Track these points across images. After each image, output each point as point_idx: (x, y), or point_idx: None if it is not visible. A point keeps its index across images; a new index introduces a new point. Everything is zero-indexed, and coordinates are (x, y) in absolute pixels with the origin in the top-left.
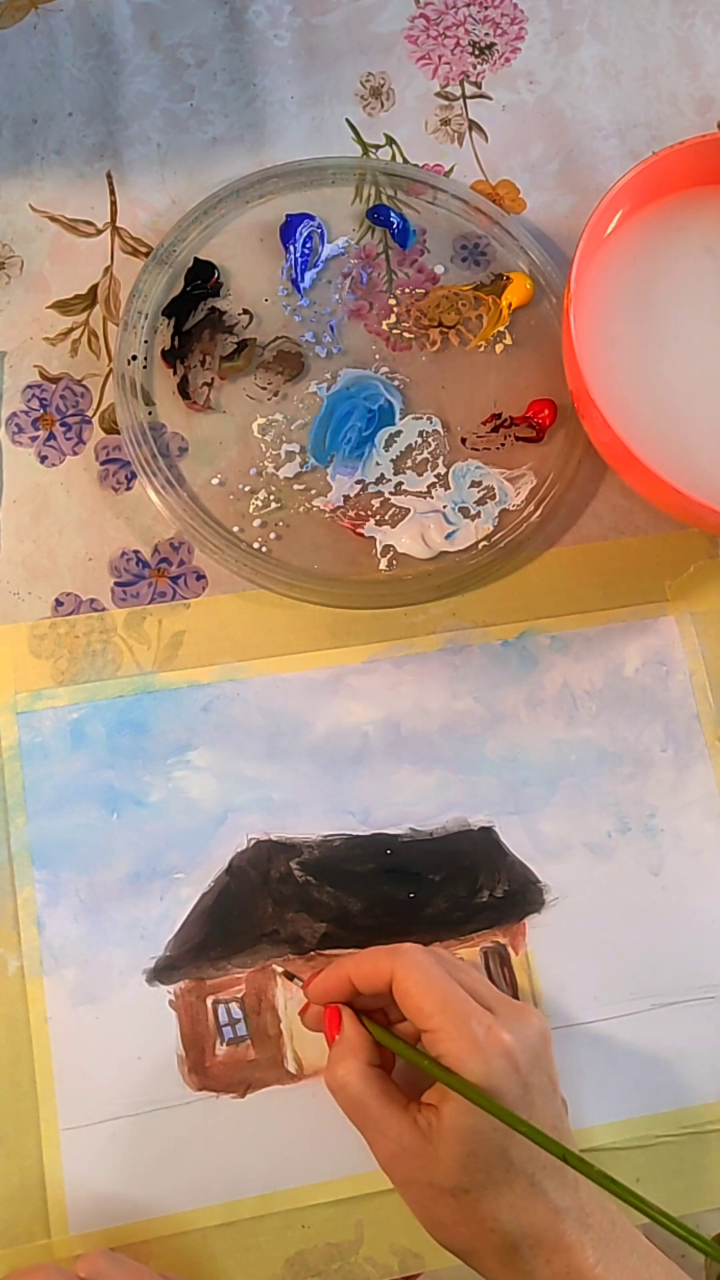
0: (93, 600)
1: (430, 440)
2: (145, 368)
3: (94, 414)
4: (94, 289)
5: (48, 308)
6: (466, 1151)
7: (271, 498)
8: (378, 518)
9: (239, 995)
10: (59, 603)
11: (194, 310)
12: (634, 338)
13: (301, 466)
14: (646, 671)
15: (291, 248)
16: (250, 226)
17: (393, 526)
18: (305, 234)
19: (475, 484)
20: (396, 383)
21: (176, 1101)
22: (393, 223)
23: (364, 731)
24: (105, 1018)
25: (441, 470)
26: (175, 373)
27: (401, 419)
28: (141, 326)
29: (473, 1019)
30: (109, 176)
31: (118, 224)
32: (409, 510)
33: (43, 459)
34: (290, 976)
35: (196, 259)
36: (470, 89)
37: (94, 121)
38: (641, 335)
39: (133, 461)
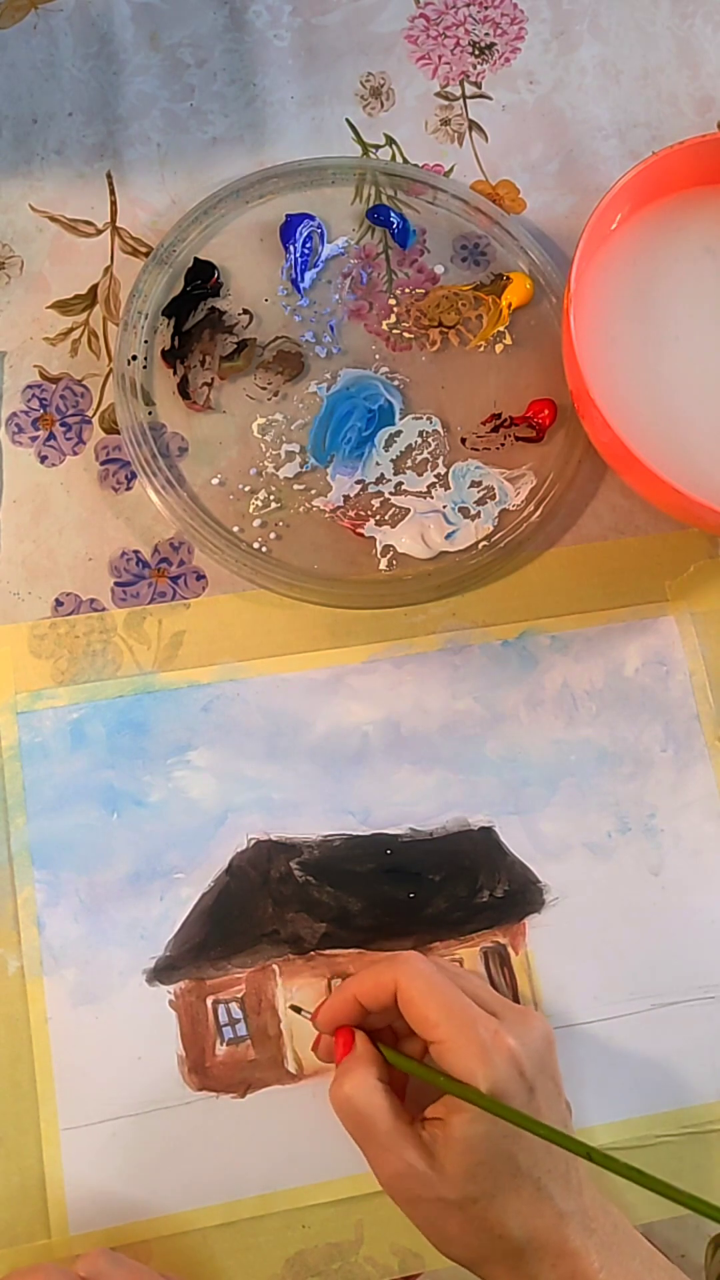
0: (93, 600)
1: (430, 440)
2: (145, 368)
3: (94, 414)
4: (94, 289)
5: (48, 308)
6: (476, 1160)
7: (271, 498)
8: (378, 518)
9: (239, 995)
10: (59, 603)
11: (194, 310)
12: (634, 338)
13: (301, 466)
14: (646, 671)
15: (291, 248)
16: (250, 226)
17: (393, 526)
18: (305, 234)
19: (475, 484)
20: (396, 383)
21: (176, 1101)
22: (393, 223)
23: (364, 731)
24: (105, 1018)
25: (441, 470)
26: (175, 373)
27: (401, 419)
28: (141, 326)
29: (478, 1024)
30: (109, 176)
31: (118, 224)
32: (409, 510)
33: (43, 459)
34: (298, 1010)
35: (196, 259)
36: (470, 89)
37: (94, 121)
38: (641, 335)
39: (133, 461)
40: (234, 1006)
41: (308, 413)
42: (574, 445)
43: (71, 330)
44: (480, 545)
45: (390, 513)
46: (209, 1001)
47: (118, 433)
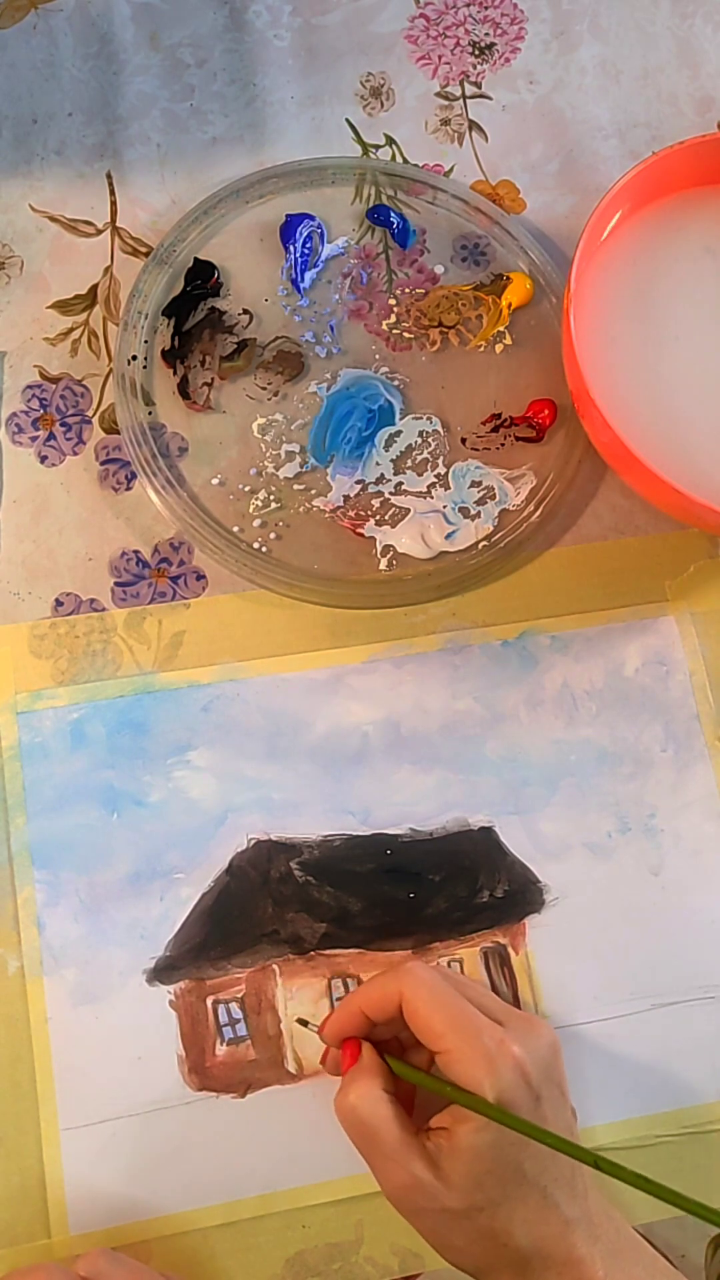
0: (93, 600)
1: (430, 440)
2: (145, 368)
3: (94, 414)
4: (94, 289)
5: (48, 308)
6: (483, 1169)
7: (271, 498)
8: (378, 518)
9: (239, 995)
10: (59, 603)
11: (194, 310)
12: (634, 338)
13: (301, 466)
14: (646, 671)
15: (291, 248)
16: (250, 226)
17: (393, 526)
18: (305, 234)
19: (475, 484)
20: (396, 383)
21: (176, 1101)
22: (393, 223)
23: (364, 731)
24: (105, 1018)
25: (441, 470)
26: (175, 373)
27: (401, 419)
28: (141, 326)
29: (483, 1033)
30: (109, 176)
31: (118, 224)
32: (409, 510)
33: (43, 459)
34: (304, 1023)
35: (196, 259)
36: (470, 89)
37: (94, 121)
38: (641, 335)
39: (133, 461)
40: (234, 1006)
41: (308, 413)
42: (574, 445)
43: (71, 330)
44: (480, 545)
45: (390, 513)
46: (209, 1001)
47: (118, 433)
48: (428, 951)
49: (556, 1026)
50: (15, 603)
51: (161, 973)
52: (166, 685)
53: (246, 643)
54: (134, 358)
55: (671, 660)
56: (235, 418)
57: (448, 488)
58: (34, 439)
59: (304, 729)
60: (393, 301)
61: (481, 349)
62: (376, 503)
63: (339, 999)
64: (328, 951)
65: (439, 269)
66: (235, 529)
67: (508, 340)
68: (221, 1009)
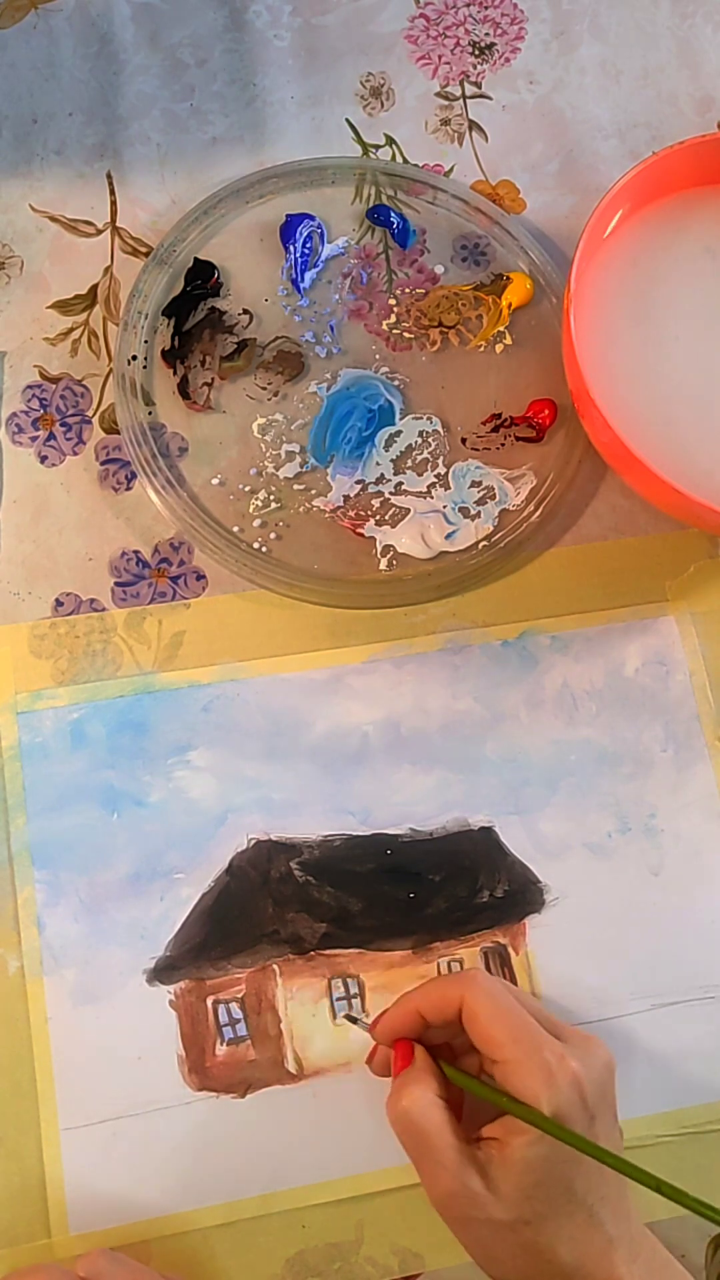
0: (93, 600)
1: (430, 440)
2: (145, 368)
3: (94, 414)
4: (94, 289)
5: (48, 308)
6: (534, 1182)
7: (271, 498)
8: (378, 518)
9: (239, 995)
10: (59, 603)
11: (194, 310)
12: (634, 338)
13: (301, 466)
14: (646, 671)
15: (291, 248)
16: (250, 226)
17: (393, 526)
18: (305, 234)
19: (475, 484)
20: (396, 383)
21: (176, 1101)
22: (393, 223)
23: (364, 731)
24: (105, 1018)
25: (441, 470)
26: (175, 373)
27: (401, 419)
28: (141, 326)
29: (544, 1048)
30: (109, 176)
31: (118, 224)
32: (409, 510)
33: (43, 459)
34: (353, 1020)
35: (196, 259)
36: (470, 89)
37: (94, 121)
38: (641, 335)
39: (133, 461)
40: (234, 1006)
41: (308, 413)
42: (574, 445)
43: (71, 330)
44: (480, 545)
45: (390, 513)
46: (209, 1001)
47: (118, 433)
48: (428, 951)
49: None
50: (15, 603)
51: (162, 973)
52: (166, 685)
53: (246, 643)
54: (134, 358)
55: (671, 660)
56: (235, 418)
57: (448, 488)
58: (34, 439)
59: (304, 729)
60: (393, 301)
61: (481, 349)
62: (376, 503)
63: (340, 999)
64: (328, 951)
65: (439, 269)
66: (235, 529)
67: (508, 340)
68: (221, 1009)
